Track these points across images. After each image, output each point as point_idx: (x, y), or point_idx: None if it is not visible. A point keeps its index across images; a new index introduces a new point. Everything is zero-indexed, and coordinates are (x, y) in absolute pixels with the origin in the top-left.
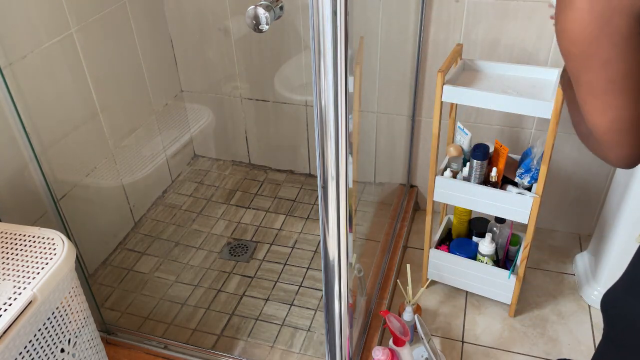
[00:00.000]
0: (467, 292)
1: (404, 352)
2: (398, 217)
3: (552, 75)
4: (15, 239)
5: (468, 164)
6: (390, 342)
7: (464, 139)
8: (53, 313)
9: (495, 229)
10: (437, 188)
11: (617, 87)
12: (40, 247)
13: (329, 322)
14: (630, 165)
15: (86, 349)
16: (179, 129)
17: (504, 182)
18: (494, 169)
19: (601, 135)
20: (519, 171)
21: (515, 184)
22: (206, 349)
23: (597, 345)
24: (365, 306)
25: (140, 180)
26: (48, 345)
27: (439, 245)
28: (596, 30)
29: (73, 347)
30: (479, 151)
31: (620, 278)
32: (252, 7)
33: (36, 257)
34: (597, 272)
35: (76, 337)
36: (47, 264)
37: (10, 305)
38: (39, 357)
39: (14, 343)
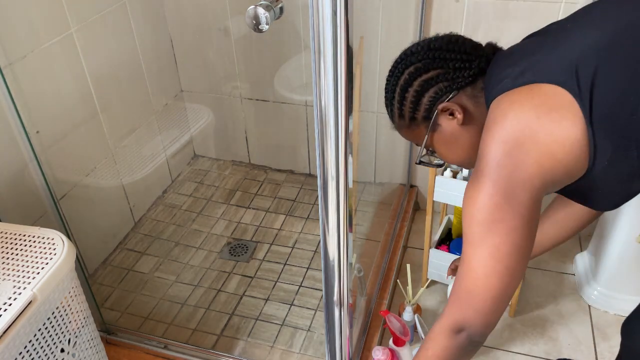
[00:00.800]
0: None
1: (404, 352)
2: (398, 217)
3: None
4: (15, 239)
5: None
6: (390, 342)
7: None
8: (53, 313)
9: None
10: (437, 188)
11: (520, 253)
12: (40, 247)
13: (329, 322)
14: (486, 335)
15: (86, 349)
16: (179, 129)
17: None
18: None
19: (486, 302)
20: None
21: None
22: (206, 349)
23: (597, 344)
24: (365, 306)
25: (140, 180)
26: (48, 345)
27: (439, 245)
28: (502, 201)
29: (73, 347)
30: None
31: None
32: (252, 7)
33: (36, 257)
34: (597, 272)
35: (76, 337)
36: (47, 264)
37: (10, 305)
38: (39, 357)
39: (14, 343)
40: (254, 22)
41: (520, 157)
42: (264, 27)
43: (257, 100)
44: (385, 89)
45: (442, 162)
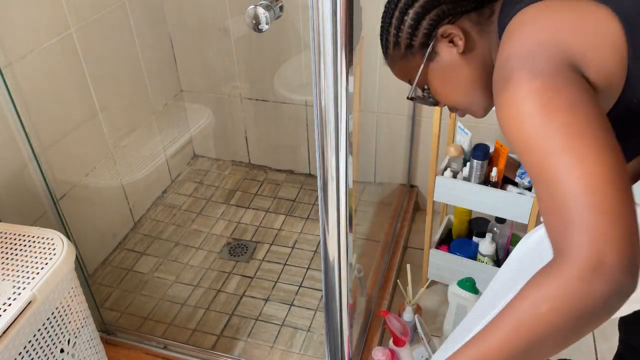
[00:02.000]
0: None
1: (404, 352)
2: (398, 217)
3: None
4: (15, 239)
5: (468, 164)
6: (390, 342)
7: (464, 139)
8: (52, 313)
9: (495, 229)
10: (437, 188)
11: (603, 127)
12: (39, 247)
13: (329, 322)
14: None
15: (86, 349)
16: (178, 128)
17: (505, 182)
18: (495, 169)
19: (608, 207)
20: (519, 171)
21: (516, 184)
22: (206, 349)
23: (597, 344)
24: (365, 306)
25: (139, 180)
26: (47, 346)
27: (439, 245)
28: (547, 80)
29: (72, 347)
30: (480, 151)
31: None
32: (252, 6)
33: (35, 257)
34: None
35: (76, 337)
36: (46, 264)
37: (9, 305)
38: (38, 357)
39: (13, 343)
40: (254, 22)
41: (558, 37)
42: (264, 27)
43: (257, 100)
44: (383, 15)
45: (436, 101)
